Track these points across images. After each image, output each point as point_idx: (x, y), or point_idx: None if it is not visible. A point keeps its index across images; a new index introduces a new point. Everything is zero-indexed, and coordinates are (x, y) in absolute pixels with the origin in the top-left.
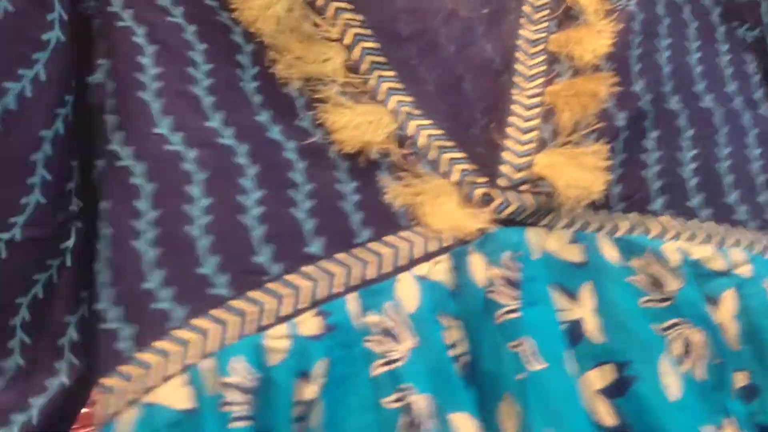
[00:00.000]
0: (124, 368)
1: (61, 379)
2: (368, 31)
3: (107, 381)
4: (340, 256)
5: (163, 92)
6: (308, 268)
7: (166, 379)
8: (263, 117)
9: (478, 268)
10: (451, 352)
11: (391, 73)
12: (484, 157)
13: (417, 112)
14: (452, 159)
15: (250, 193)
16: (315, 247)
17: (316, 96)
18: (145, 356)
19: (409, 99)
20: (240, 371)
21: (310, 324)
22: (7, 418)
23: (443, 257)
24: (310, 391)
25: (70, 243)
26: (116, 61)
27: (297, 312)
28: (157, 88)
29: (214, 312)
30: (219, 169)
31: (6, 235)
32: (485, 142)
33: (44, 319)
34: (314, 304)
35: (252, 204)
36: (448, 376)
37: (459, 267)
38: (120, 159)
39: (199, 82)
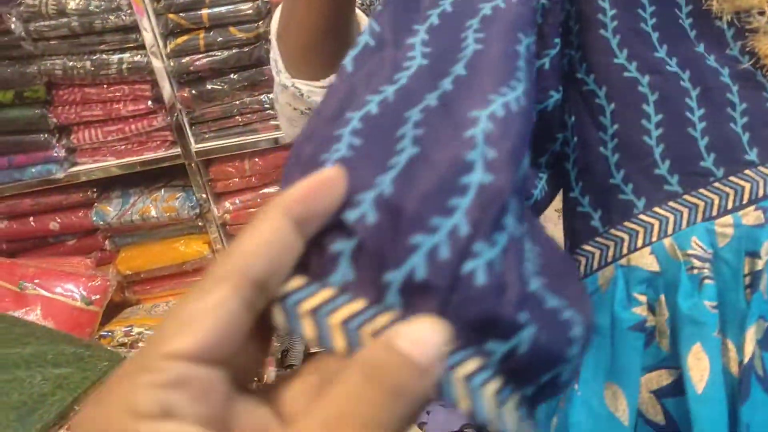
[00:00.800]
0: (600, 239)
1: None
2: None
3: (587, 247)
4: None
5: (619, 29)
6: (749, 172)
7: (635, 249)
8: (700, 48)
9: None
10: None
11: None
12: None
13: None
14: None
15: (695, 111)
16: (752, 155)
17: (747, 27)
18: (617, 233)
19: None
20: (699, 246)
21: (752, 216)
22: None
23: None
24: (759, 263)
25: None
26: (580, 5)
27: (740, 206)
28: (614, 27)
29: (671, 204)
30: (668, 91)
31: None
32: None
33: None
34: (754, 201)
35: (696, 119)
36: None
37: None
38: (586, 84)
39: (646, 21)
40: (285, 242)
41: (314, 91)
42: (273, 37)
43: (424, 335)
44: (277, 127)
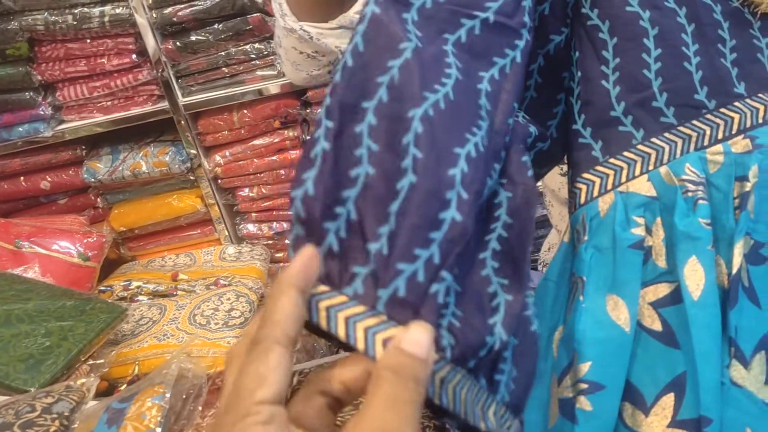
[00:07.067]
0: (600, 168)
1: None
2: None
3: (586, 176)
4: (762, 95)
5: None
6: (737, 104)
7: (633, 177)
8: None
9: None
10: None
11: None
12: None
13: None
14: None
15: (690, 46)
16: (741, 88)
17: None
18: (616, 162)
19: None
20: (693, 172)
21: (741, 144)
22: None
23: None
24: (747, 185)
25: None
26: None
27: (730, 136)
28: None
29: (667, 135)
30: (666, 26)
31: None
32: None
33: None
34: (743, 130)
35: (692, 54)
36: None
37: None
38: (590, 19)
39: None
40: (301, 308)
41: (323, 33)
42: None
43: (419, 337)
44: (264, 78)
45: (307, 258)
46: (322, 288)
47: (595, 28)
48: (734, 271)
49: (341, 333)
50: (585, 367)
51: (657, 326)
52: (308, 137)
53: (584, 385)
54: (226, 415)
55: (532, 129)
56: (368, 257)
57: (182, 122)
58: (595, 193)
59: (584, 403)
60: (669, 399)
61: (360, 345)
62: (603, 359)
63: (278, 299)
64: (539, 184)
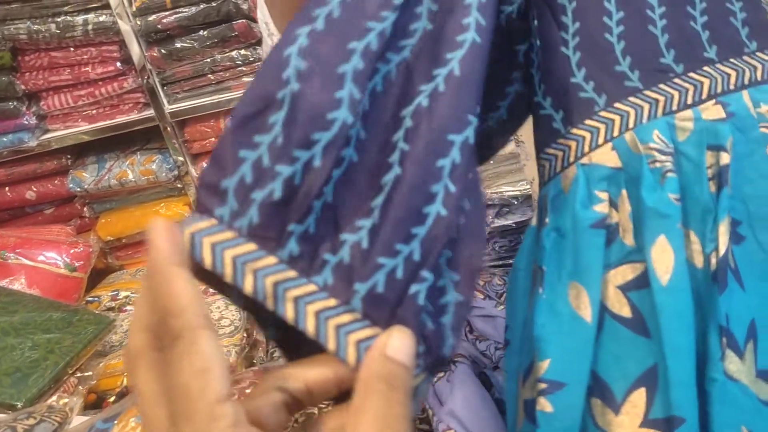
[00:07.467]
0: (561, 140)
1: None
2: None
3: (550, 150)
4: (733, 60)
5: None
6: (707, 68)
7: (597, 147)
8: None
9: None
10: None
11: None
12: None
13: None
14: None
15: (656, 8)
16: (711, 52)
17: None
18: (578, 131)
19: None
20: (660, 140)
21: (712, 111)
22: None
23: None
24: (724, 157)
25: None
26: None
27: (700, 101)
28: None
29: (632, 99)
30: None
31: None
32: None
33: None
34: (713, 96)
35: (657, 17)
36: None
37: None
38: None
39: None
40: (195, 283)
41: None
42: None
43: (403, 344)
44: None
45: (168, 230)
46: (291, 273)
47: None
48: (722, 252)
49: (310, 328)
50: (544, 365)
51: (626, 312)
52: None
53: (543, 385)
54: (184, 426)
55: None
56: (341, 247)
57: (169, 130)
58: (558, 168)
59: (544, 404)
60: (640, 395)
61: (331, 344)
62: (563, 355)
63: (169, 284)
64: (526, 186)
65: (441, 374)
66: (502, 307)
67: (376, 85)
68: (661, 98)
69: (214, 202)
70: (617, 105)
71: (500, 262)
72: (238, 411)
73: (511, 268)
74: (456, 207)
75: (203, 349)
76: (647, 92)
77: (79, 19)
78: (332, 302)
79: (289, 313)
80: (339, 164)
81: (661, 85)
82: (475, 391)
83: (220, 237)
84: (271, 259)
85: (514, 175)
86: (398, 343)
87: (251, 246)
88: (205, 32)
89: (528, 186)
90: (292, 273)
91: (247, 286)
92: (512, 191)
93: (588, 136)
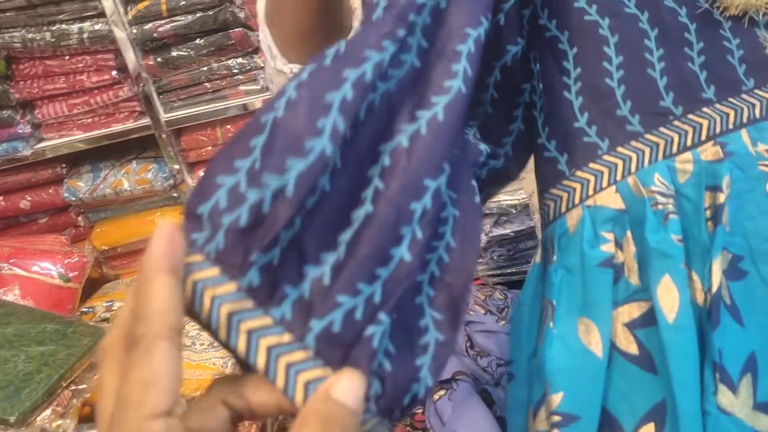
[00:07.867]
0: (566, 182)
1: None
2: None
3: (554, 191)
4: (732, 100)
5: None
6: (706, 110)
7: (601, 189)
8: None
9: None
10: None
11: None
12: None
13: None
14: None
15: (654, 52)
16: (710, 93)
17: None
18: (583, 174)
19: None
20: (662, 183)
21: (711, 152)
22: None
23: None
24: (720, 197)
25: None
26: None
27: (699, 143)
28: None
29: (633, 143)
30: (627, 33)
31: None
32: None
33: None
34: (712, 137)
35: (656, 60)
36: None
37: None
38: (549, 30)
39: None
40: (177, 293)
41: None
42: (261, 20)
43: (351, 386)
44: (247, 93)
45: (169, 234)
46: (248, 304)
47: (554, 40)
48: (714, 289)
49: (261, 363)
50: (557, 398)
51: (633, 349)
52: None
53: (557, 418)
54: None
55: (483, 147)
56: (302, 281)
57: (164, 138)
58: (563, 209)
59: None
60: (649, 430)
61: (279, 382)
62: (576, 388)
63: (149, 287)
64: (524, 196)
65: (442, 392)
66: (503, 322)
67: (359, 112)
68: (662, 141)
69: (192, 227)
70: (620, 149)
71: (498, 272)
72: (172, 427)
73: (509, 279)
74: (420, 253)
75: (154, 361)
76: (648, 136)
77: (75, 27)
78: (287, 338)
79: (240, 345)
80: (312, 193)
81: (662, 128)
82: (477, 409)
83: (189, 259)
84: (231, 286)
85: (511, 184)
86: (346, 385)
87: (214, 271)
88: (202, 41)
89: (526, 196)
90: (249, 303)
91: (204, 313)
92: (510, 200)
93: (592, 179)
